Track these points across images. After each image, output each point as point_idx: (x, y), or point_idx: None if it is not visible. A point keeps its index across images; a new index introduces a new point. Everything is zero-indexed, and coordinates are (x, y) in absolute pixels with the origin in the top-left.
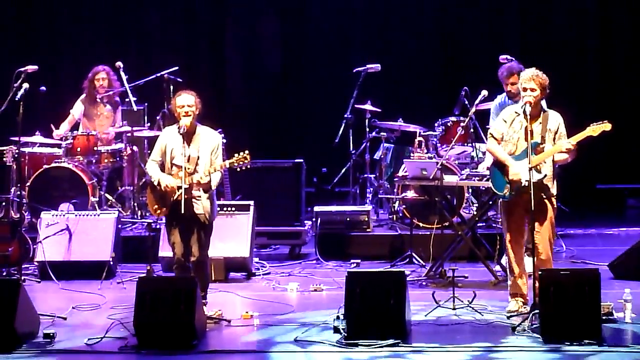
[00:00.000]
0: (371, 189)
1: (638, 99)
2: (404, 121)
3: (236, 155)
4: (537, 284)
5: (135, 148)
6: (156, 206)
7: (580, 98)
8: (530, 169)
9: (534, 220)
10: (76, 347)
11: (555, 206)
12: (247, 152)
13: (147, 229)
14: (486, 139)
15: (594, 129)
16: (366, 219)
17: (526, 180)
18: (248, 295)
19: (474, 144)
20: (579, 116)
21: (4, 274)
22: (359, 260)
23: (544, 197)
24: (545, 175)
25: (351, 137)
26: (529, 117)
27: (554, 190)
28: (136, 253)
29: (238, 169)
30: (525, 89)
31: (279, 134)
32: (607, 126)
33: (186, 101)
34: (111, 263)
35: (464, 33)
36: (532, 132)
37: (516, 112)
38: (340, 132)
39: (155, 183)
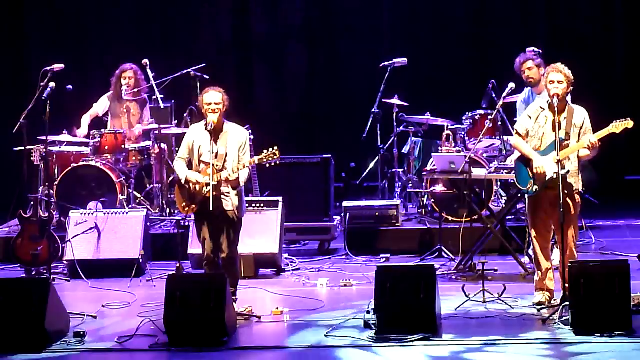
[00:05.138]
0: (400, 183)
1: None
2: (431, 115)
3: (265, 151)
4: (564, 278)
5: (163, 145)
6: (184, 204)
7: (606, 93)
8: (559, 161)
9: (559, 215)
10: (106, 346)
11: (579, 202)
12: (276, 148)
13: (176, 227)
14: (514, 131)
15: (617, 126)
16: (395, 214)
17: (554, 173)
18: (278, 291)
19: (502, 137)
20: (605, 111)
21: (34, 273)
22: (388, 255)
23: (567, 193)
24: (569, 171)
25: (379, 132)
26: (556, 109)
27: (578, 186)
28: (165, 251)
29: (267, 165)
30: (552, 82)
31: (307, 129)
32: (629, 124)
33: (213, 98)
34: (140, 261)
35: (491, 26)
36: (559, 124)
37: (541, 107)
38: (368, 126)
39: (183, 181)
